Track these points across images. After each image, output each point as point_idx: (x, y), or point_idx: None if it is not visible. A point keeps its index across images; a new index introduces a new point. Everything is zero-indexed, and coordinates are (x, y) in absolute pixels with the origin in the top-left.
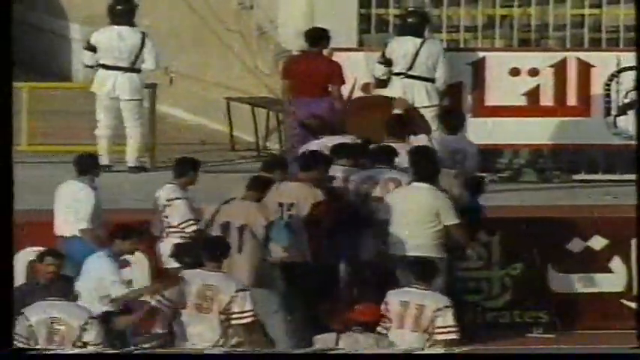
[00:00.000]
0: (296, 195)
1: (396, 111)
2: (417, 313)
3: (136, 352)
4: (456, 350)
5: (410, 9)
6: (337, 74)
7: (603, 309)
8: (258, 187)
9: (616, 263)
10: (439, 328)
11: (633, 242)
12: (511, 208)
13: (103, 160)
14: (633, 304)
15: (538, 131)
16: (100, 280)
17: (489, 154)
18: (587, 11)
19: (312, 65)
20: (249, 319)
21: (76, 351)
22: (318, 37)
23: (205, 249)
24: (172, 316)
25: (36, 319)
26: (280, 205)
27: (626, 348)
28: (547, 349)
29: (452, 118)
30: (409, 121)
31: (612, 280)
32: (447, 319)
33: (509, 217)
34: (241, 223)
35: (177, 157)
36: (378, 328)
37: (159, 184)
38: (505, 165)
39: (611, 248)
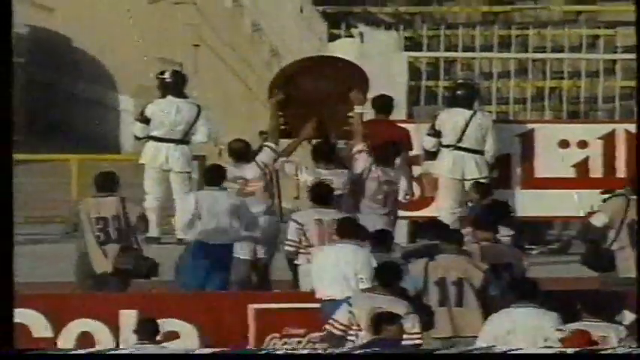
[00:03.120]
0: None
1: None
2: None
3: (137, 352)
4: (456, 351)
5: (459, 81)
6: (407, 140)
7: None
8: (455, 240)
9: None
10: None
11: None
12: (559, 280)
13: (152, 232)
14: None
15: (587, 203)
16: None
17: (539, 226)
18: (635, 83)
19: (382, 132)
20: (418, 341)
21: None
22: (386, 103)
23: (378, 274)
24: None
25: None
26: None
27: (626, 348)
28: (547, 351)
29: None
30: (397, 146)
31: None
32: None
33: (557, 290)
34: (458, 277)
35: None
36: None
37: None
38: (554, 237)
39: None
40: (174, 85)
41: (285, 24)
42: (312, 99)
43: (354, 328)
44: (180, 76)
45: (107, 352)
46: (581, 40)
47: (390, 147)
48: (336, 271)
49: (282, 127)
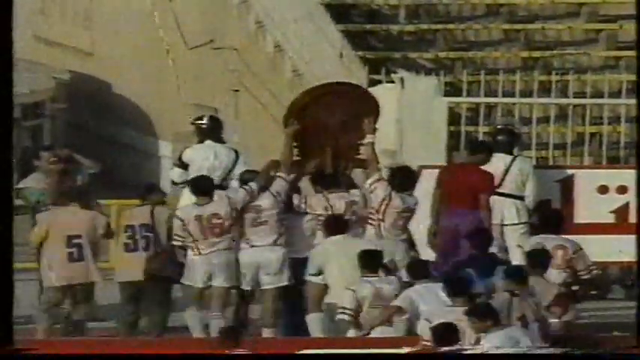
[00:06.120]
0: None
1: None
2: None
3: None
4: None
5: (499, 126)
6: (490, 183)
7: None
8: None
9: None
10: None
11: None
12: (598, 326)
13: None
14: None
15: (627, 248)
16: None
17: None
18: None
19: (466, 175)
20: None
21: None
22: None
23: (449, 286)
24: None
25: None
26: None
27: (626, 349)
28: (547, 350)
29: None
30: (414, 171)
31: None
32: None
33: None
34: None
35: None
36: None
37: None
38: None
39: None
40: (212, 131)
41: (326, 69)
42: (325, 128)
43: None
44: (217, 122)
45: (107, 353)
46: (621, 86)
47: (408, 172)
48: (438, 306)
49: (296, 157)
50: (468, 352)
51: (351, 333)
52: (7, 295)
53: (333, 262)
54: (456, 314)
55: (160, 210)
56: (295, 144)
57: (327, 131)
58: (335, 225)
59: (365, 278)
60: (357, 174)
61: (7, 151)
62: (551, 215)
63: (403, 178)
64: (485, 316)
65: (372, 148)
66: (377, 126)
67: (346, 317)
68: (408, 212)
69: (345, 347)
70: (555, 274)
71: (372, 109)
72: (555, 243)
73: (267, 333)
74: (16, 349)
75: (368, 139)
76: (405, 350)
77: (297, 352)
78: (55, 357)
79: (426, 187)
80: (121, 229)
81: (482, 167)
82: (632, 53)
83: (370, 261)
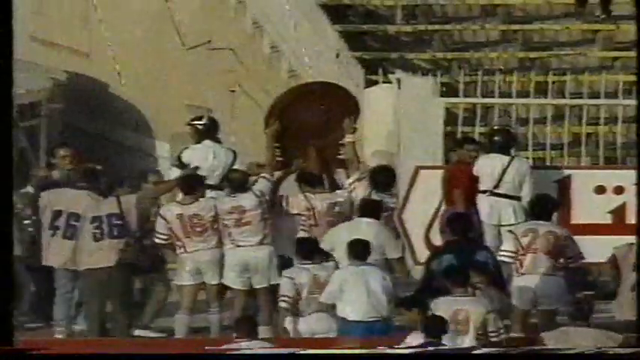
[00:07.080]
0: None
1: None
2: None
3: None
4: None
5: (496, 127)
6: (460, 178)
7: None
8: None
9: None
10: None
11: None
12: (597, 326)
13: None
14: None
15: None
16: None
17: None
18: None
19: (450, 174)
20: (502, 336)
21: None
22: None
23: (449, 277)
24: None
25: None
26: None
27: (626, 348)
28: (547, 349)
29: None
30: (393, 170)
31: None
32: None
33: None
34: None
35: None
36: None
37: None
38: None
39: None
40: (209, 131)
41: (322, 70)
42: (305, 128)
43: None
44: (214, 122)
45: (106, 352)
46: (618, 86)
47: (388, 172)
48: (364, 293)
49: (278, 158)
50: (476, 351)
51: (289, 320)
52: (7, 295)
53: (341, 244)
54: (459, 303)
55: (126, 199)
56: (277, 144)
57: (308, 131)
58: (370, 208)
59: (302, 265)
60: (338, 174)
61: (7, 151)
62: (543, 202)
63: (383, 178)
64: (414, 306)
65: (353, 148)
66: (356, 125)
67: (284, 305)
68: (387, 211)
69: (346, 347)
70: (544, 260)
71: (352, 108)
72: (546, 229)
73: (263, 331)
74: (16, 349)
75: (348, 138)
76: (405, 350)
77: (297, 352)
78: (56, 357)
79: (423, 188)
80: (88, 221)
81: (460, 163)
82: (628, 54)
83: (303, 248)
